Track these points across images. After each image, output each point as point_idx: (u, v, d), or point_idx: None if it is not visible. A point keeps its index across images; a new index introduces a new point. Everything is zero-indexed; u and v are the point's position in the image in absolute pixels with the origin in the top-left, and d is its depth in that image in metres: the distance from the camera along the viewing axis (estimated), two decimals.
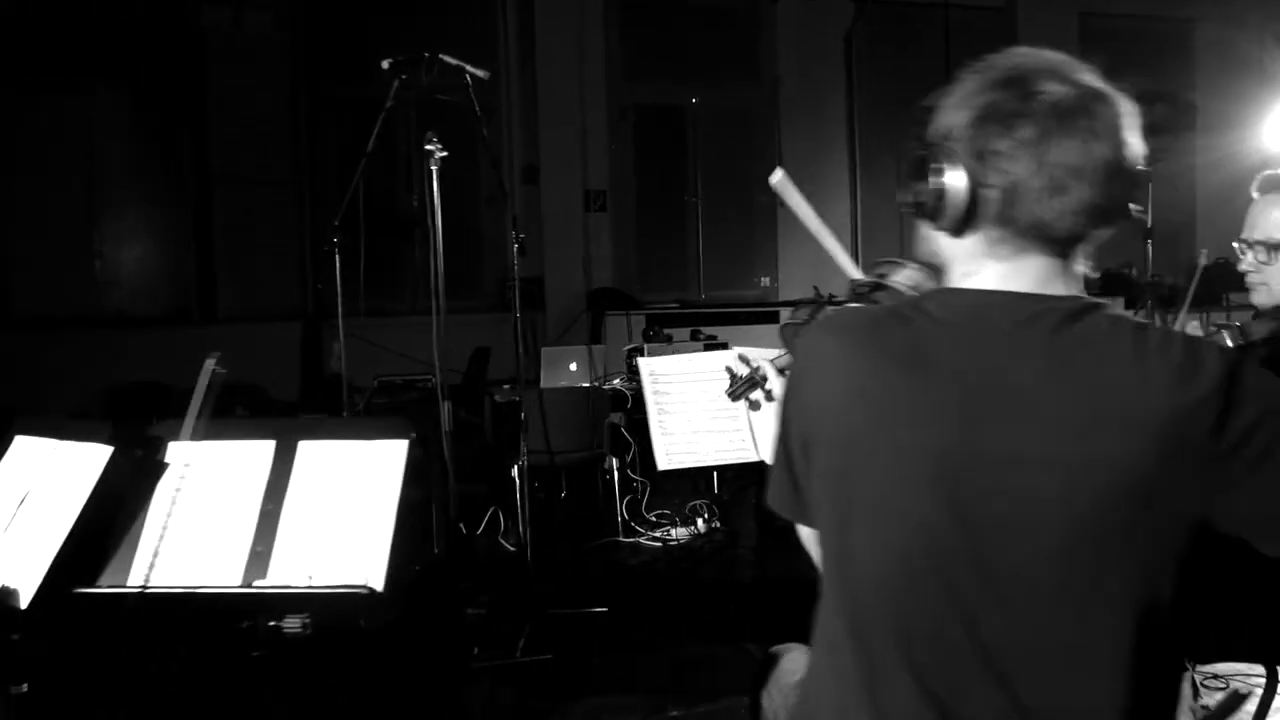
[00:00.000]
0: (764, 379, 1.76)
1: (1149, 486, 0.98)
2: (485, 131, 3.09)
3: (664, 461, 2.37)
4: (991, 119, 1.05)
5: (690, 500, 4.76)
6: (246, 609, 1.73)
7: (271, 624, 1.75)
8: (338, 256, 3.02)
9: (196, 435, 1.72)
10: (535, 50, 6.73)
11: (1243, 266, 1.91)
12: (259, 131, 6.26)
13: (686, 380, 2.44)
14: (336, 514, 1.79)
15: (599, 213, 6.98)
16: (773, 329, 6.88)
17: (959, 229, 1.09)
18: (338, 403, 4.92)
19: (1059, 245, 1.08)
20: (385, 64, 2.94)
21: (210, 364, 1.68)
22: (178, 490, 1.85)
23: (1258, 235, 1.88)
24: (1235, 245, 1.93)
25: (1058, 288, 1.09)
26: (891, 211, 7.56)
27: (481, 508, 4.59)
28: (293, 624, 1.75)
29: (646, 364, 2.51)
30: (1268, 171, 1.92)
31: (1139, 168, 1.08)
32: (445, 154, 2.73)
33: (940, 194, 1.08)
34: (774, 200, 7.37)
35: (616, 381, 4.94)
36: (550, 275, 6.79)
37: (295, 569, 1.75)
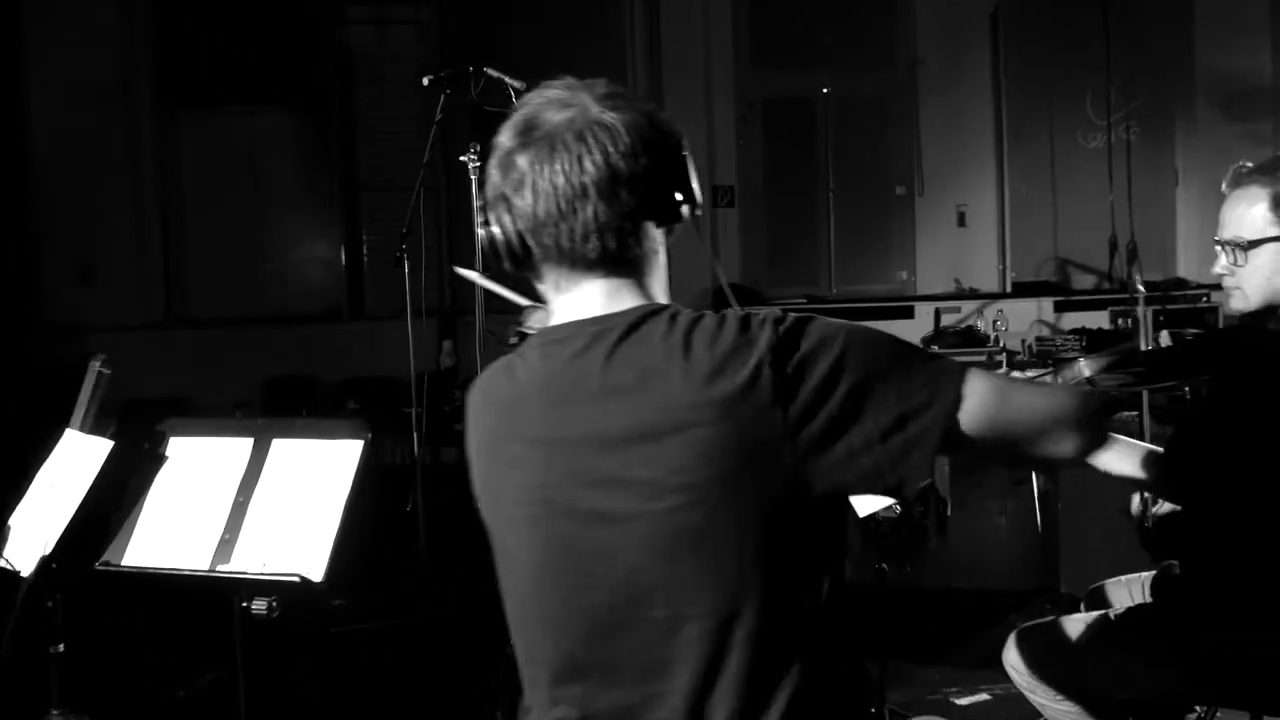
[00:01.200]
0: None
1: (732, 473, 1.00)
2: None
3: None
4: (501, 164, 1.10)
5: None
6: (210, 590, 1.92)
7: (244, 604, 1.95)
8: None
9: (85, 428, 1.89)
10: (661, 46, 6.79)
11: (1216, 269, 1.72)
12: (400, 141, 6.68)
13: None
14: (296, 508, 1.94)
15: (726, 208, 6.97)
16: (908, 324, 6.64)
17: (525, 272, 1.13)
18: (445, 397, 5.21)
19: (605, 265, 1.09)
20: (426, 80, 3.09)
21: (95, 365, 1.84)
22: (168, 481, 2.07)
23: (1228, 234, 1.69)
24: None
25: (625, 303, 1.09)
26: (1045, 200, 7.11)
27: None
28: (259, 606, 1.93)
29: None
30: (1237, 165, 1.72)
31: (658, 165, 1.07)
32: (475, 164, 2.85)
33: (490, 245, 1.12)
34: (912, 191, 7.12)
35: None
36: (675, 273, 6.83)
37: (254, 557, 1.91)
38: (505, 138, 1.10)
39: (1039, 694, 1.87)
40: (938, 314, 6.07)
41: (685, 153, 1.13)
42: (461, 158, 2.92)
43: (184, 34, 6.34)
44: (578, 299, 1.10)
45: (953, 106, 7.05)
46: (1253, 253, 1.67)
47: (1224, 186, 1.73)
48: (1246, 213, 1.67)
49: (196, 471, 2.04)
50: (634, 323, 1.06)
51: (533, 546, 1.11)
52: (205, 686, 3.09)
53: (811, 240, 7.07)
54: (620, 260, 1.09)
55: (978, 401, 1.05)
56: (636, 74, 6.88)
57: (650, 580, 1.04)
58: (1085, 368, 1.94)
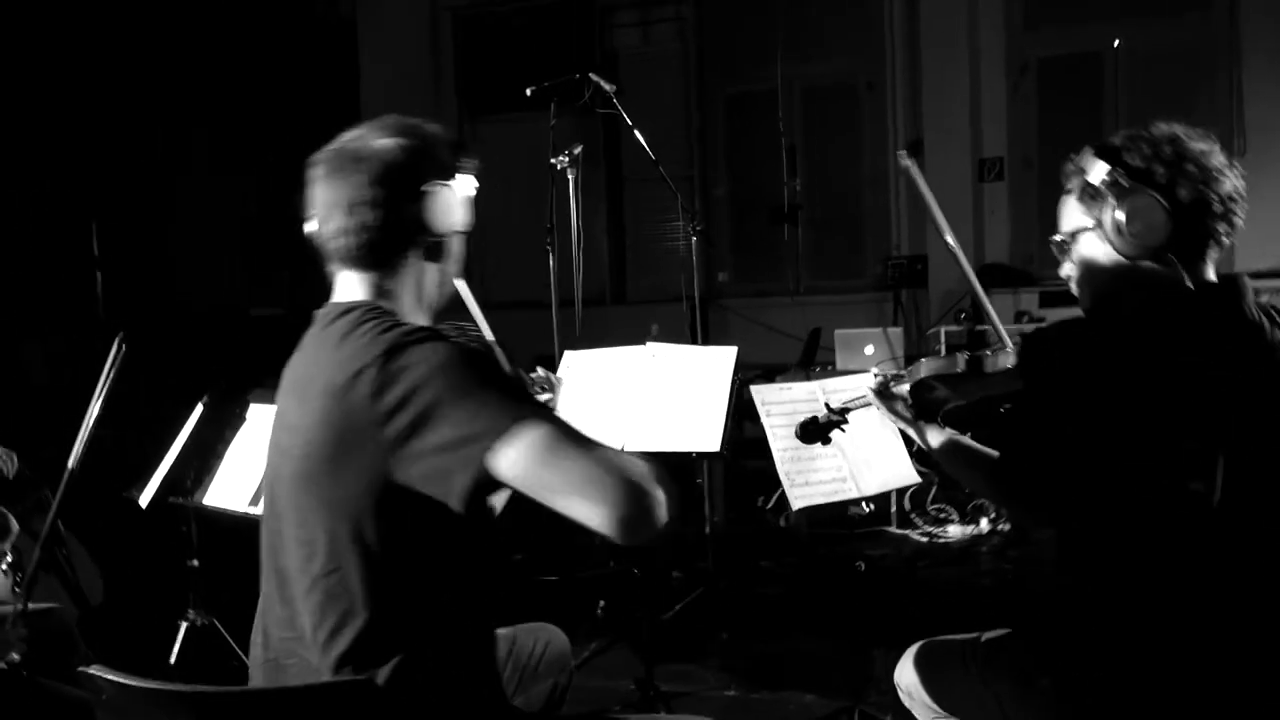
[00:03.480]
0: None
1: (338, 442, 1.25)
2: (641, 137, 3.37)
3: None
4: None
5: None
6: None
7: None
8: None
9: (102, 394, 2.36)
10: (920, 15, 6.44)
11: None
12: (660, 133, 7.04)
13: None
14: None
15: (994, 182, 6.46)
16: None
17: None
18: None
19: (352, 262, 1.37)
20: (529, 91, 3.37)
21: (117, 344, 2.28)
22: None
23: (1058, 232, 1.54)
24: None
25: (357, 295, 1.37)
26: None
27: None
28: None
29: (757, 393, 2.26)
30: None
31: (395, 195, 1.34)
32: (565, 164, 3.08)
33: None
34: (1230, 152, 6.07)
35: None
36: (934, 252, 6.49)
37: None
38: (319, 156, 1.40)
39: (921, 716, 1.74)
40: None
41: (426, 189, 1.34)
42: (552, 161, 3.16)
43: (479, 50, 7.22)
44: (339, 286, 1.40)
45: None
46: (1073, 247, 1.52)
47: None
48: (1064, 207, 1.54)
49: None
50: (342, 311, 1.34)
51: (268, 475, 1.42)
52: None
53: None
54: (367, 262, 1.36)
55: (520, 454, 1.15)
56: (895, 47, 6.60)
57: (290, 507, 1.30)
58: (921, 368, 1.76)
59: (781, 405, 2.15)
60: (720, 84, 7.02)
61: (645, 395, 2.37)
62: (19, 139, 6.21)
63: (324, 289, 1.43)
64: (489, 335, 1.64)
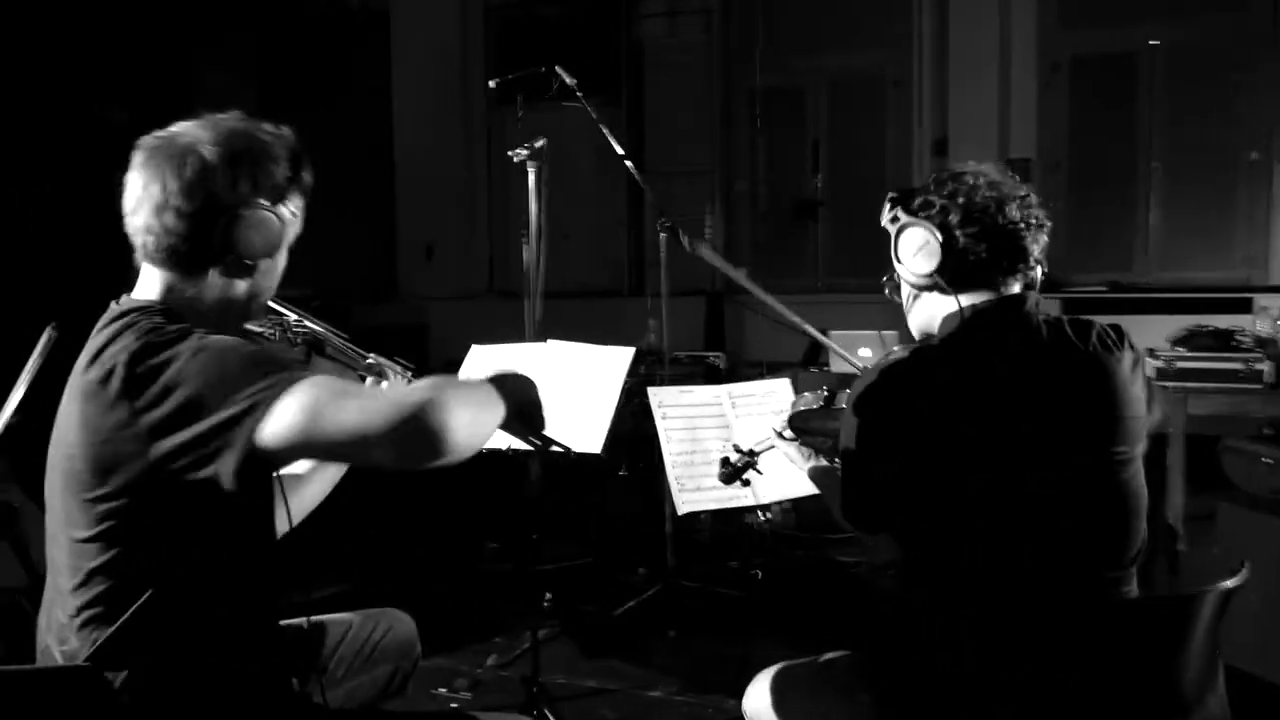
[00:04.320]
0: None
1: (96, 443, 1.24)
2: (610, 136, 3.37)
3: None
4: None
5: None
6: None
7: None
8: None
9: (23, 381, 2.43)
10: (949, 8, 6.28)
11: None
12: (683, 127, 7.00)
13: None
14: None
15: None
16: (1244, 318, 5.45)
17: None
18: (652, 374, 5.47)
19: (151, 261, 1.35)
20: (491, 84, 3.39)
21: (48, 333, 2.35)
22: None
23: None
24: None
25: (152, 294, 1.35)
26: None
27: None
28: None
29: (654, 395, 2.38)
30: None
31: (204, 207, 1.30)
32: (524, 156, 3.09)
33: None
34: (1270, 157, 5.80)
35: None
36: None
37: None
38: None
39: None
40: None
41: (244, 213, 1.31)
42: (511, 152, 3.18)
43: (509, 39, 7.27)
44: (140, 279, 1.38)
45: None
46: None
47: None
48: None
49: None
50: (119, 315, 1.32)
51: None
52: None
53: (1126, 218, 6.10)
54: (161, 264, 1.34)
55: (286, 420, 1.14)
56: (923, 42, 6.45)
57: (59, 505, 1.31)
58: (798, 403, 1.76)
59: (679, 409, 2.13)
60: (746, 77, 6.95)
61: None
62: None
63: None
64: (315, 327, 1.66)
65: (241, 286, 1.37)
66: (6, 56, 6.14)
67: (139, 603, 1.25)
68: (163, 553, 1.27)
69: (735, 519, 4.53)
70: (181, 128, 1.34)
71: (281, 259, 1.41)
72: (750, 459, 1.93)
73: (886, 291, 1.68)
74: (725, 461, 1.95)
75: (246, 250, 1.31)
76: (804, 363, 5.51)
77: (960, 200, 1.55)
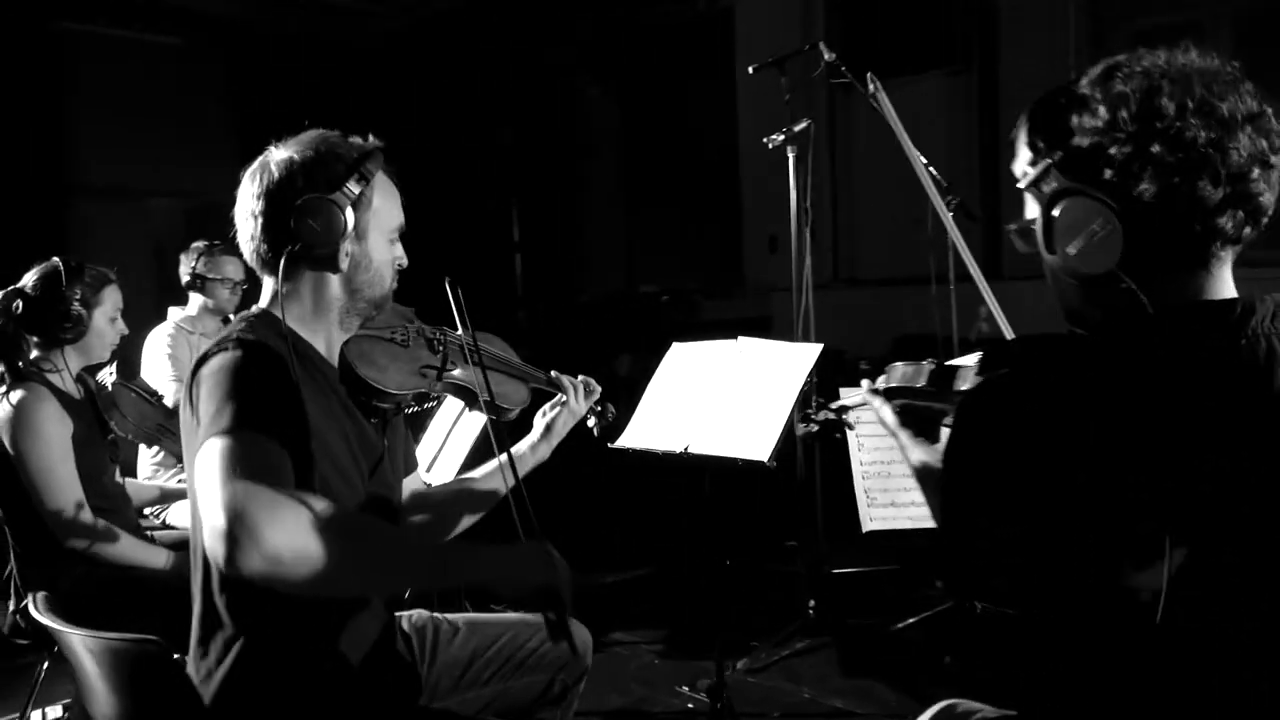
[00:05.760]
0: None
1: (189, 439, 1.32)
2: (895, 122, 3.11)
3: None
4: None
5: None
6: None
7: None
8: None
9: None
10: None
11: None
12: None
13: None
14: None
15: None
16: None
17: None
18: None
19: (257, 269, 1.46)
20: (750, 69, 3.24)
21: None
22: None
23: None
24: None
25: (264, 301, 1.46)
26: None
27: None
28: None
29: None
30: None
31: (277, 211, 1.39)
32: (780, 142, 2.96)
33: None
34: None
35: None
36: None
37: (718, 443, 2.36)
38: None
39: None
40: None
41: (301, 203, 1.36)
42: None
43: (859, 14, 7.01)
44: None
45: None
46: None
47: None
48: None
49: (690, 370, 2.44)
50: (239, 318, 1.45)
51: None
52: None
53: None
54: (261, 269, 1.46)
55: (201, 459, 1.17)
56: None
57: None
58: (893, 375, 1.45)
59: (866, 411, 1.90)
60: (1122, 20, 6.03)
61: (722, 394, 2.22)
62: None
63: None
64: (463, 333, 1.67)
65: (334, 281, 1.43)
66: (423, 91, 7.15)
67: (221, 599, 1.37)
68: None
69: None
70: (271, 147, 1.43)
71: (375, 249, 1.44)
72: (838, 415, 1.66)
73: (1018, 243, 1.17)
74: (805, 414, 1.72)
75: (309, 237, 1.36)
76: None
77: (1156, 130, 1.01)
